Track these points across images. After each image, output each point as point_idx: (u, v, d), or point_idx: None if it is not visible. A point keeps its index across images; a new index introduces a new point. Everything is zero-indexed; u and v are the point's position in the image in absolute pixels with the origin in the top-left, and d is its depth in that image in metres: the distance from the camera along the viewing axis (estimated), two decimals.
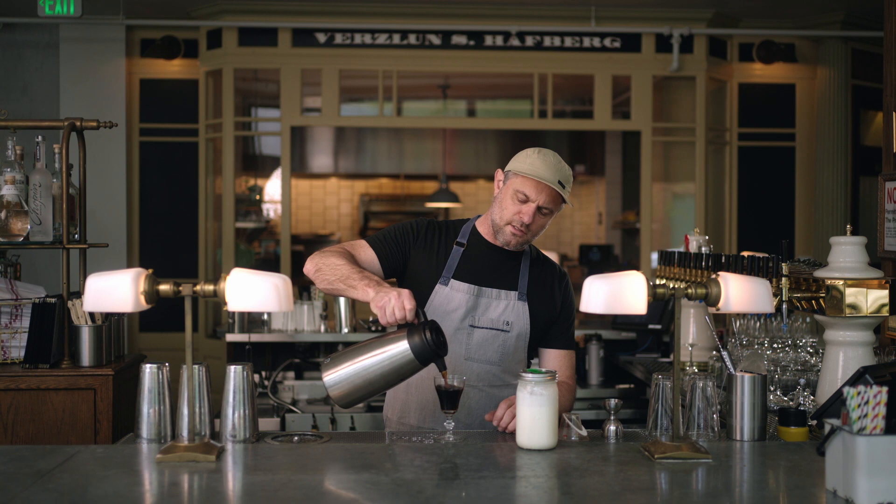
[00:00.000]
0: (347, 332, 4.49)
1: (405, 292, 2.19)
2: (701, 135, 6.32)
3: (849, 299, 2.29)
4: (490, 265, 2.53)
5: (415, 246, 2.54)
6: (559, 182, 2.42)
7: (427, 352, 2.15)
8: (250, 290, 1.95)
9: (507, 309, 2.50)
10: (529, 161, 2.44)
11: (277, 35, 6.09)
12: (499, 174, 2.55)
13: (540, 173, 2.41)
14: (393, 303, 2.17)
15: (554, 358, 2.59)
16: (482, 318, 2.49)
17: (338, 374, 2.19)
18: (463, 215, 9.38)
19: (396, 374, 2.19)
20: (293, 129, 6.24)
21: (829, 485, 1.70)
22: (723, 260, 2.90)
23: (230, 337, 4.46)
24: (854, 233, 2.41)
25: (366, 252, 2.50)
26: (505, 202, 2.47)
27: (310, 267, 2.42)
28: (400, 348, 2.16)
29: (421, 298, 2.47)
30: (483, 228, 2.58)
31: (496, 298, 2.50)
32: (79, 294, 3.04)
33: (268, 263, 7.14)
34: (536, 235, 2.51)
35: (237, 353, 4.46)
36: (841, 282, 2.30)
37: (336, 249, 2.45)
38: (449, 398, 2.23)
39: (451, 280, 2.49)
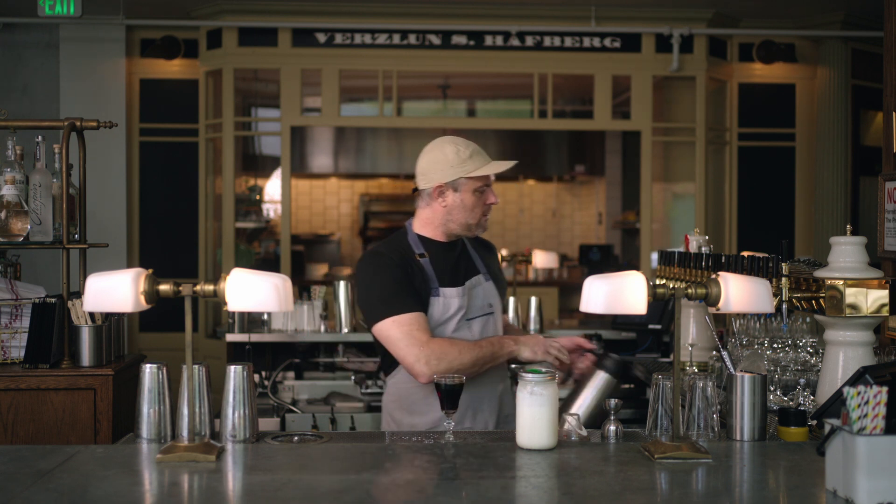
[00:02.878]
0: (347, 332, 4.49)
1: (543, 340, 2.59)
2: (701, 135, 6.32)
3: (849, 299, 2.29)
4: (452, 261, 2.65)
5: (409, 277, 2.57)
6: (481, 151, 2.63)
7: (618, 367, 2.68)
8: (250, 290, 1.95)
9: (485, 293, 2.66)
10: (468, 158, 2.56)
11: (277, 35, 6.09)
12: (439, 190, 2.57)
13: (486, 161, 2.58)
14: (553, 345, 2.57)
15: (504, 321, 2.85)
16: (472, 309, 2.61)
17: None
18: None
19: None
20: (293, 129, 6.24)
21: (829, 485, 1.69)
22: (723, 260, 2.90)
23: (230, 337, 4.46)
24: (854, 233, 2.41)
25: (425, 321, 2.51)
26: (470, 205, 2.59)
27: (439, 368, 2.43)
28: (601, 379, 2.67)
29: None
30: (427, 232, 2.65)
31: (475, 286, 2.64)
32: (79, 294, 3.04)
33: (268, 263, 7.13)
34: None
35: (237, 353, 4.46)
36: (841, 282, 2.30)
37: (440, 342, 2.48)
38: (448, 396, 2.23)
39: (441, 289, 2.57)
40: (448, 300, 2.56)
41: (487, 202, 2.60)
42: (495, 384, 2.66)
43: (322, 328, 4.54)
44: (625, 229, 8.60)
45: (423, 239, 2.64)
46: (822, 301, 2.37)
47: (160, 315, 4.45)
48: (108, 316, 3.08)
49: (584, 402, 2.63)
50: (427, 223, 2.63)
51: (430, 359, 2.44)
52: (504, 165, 2.59)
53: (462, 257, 2.68)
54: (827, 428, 1.71)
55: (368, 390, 4.17)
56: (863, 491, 1.59)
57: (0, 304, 3.05)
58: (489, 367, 2.55)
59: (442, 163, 2.55)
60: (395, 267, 2.53)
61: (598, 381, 2.65)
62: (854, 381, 2.00)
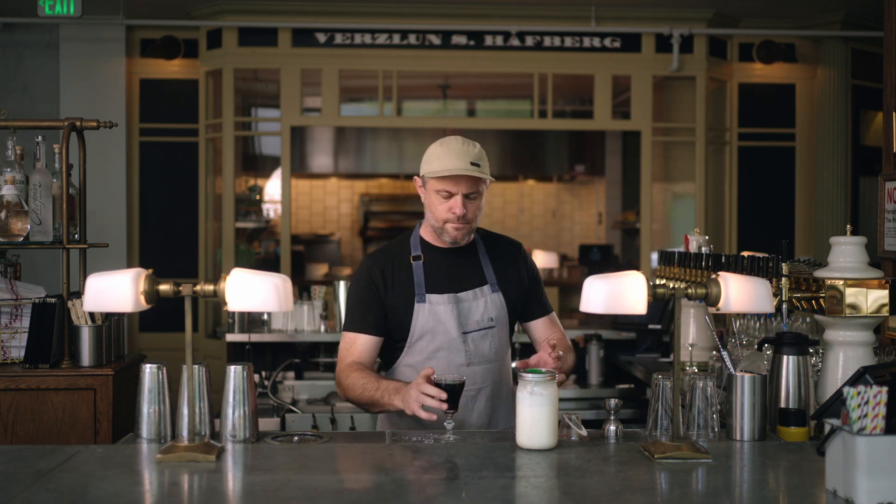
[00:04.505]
0: None
1: (419, 384, 2.23)
2: (701, 135, 6.32)
3: (849, 299, 2.29)
4: (453, 268, 2.55)
5: (382, 290, 2.53)
6: (472, 164, 2.41)
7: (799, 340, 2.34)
8: (250, 290, 1.95)
9: (488, 305, 2.53)
10: (436, 158, 2.45)
11: (277, 35, 6.09)
12: (417, 181, 2.55)
13: (451, 165, 2.41)
14: (418, 398, 2.22)
15: (542, 326, 2.67)
16: (468, 321, 2.51)
17: None
18: None
19: None
20: (293, 129, 6.23)
21: (829, 485, 1.70)
22: (723, 260, 2.90)
23: (230, 337, 4.46)
24: (854, 233, 2.41)
25: (361, 343, 2.53)
26: (433, 205, 2.48)
27: (339, 391, 2.54)
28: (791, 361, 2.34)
29: (405, 324, 2.50)
30: (429, 236, 2.58)
31: (474, 299, 2.52)
32: (79, 294, 3.04)
33: (268, 263, 7.13)
34: (478, 219, 2.52)
35: (237, 353, 4.46)
36: (841, 282, 2.30)
37: (344, 368, 2.50)
38: (448, 396, 2.23)
39: (427, 295, 2.50)
40: (435, 307, 2.48)
41: (450, 209, 2.44)
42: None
43: (322, 328, 4.54)
44: (625, 229, 8.60)
45: (424, 242, 2.58)
46: (822, 301, 2.37)
47: (160, 315, 4.45)
48: (108, 316, 3.08)
49: (786, 393, 2.31)
50: (426, 223, 2.58)
51: (338, 378, 2.53)
52: (448, 172, 2.39)
53: (468, 264, 2.56)
54: (827, 428, 1.71)
55: None
56: (863, 491, 1.59)
57: (0, 304, 3.05)
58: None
59: (425, 156, 2.49)
60: (362, 281, 2.55)
61: (790, 364, 2.33)
62: (854, 381, 2.00)
